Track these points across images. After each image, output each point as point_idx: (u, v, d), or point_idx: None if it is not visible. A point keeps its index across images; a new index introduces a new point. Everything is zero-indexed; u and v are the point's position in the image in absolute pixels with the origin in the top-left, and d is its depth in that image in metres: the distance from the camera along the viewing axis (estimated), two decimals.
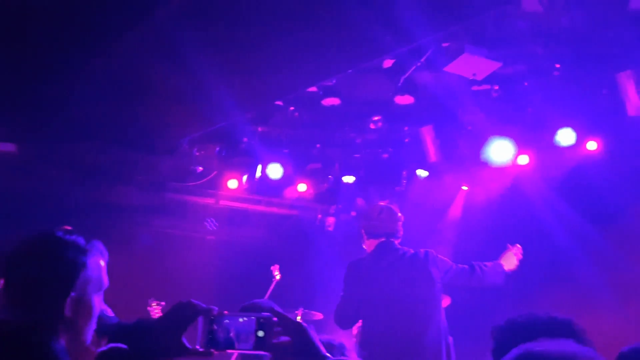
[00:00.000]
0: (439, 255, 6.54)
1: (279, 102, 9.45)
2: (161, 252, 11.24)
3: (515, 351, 1.69)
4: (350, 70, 8.07)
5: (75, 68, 7.26)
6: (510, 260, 6.76)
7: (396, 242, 6.57)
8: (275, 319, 2.39)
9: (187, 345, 2.38)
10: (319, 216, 12.05)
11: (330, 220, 11.99)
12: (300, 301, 8.88)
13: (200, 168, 10.63)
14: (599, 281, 9.12)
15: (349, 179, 11.06)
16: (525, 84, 8.59)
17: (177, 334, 2.37)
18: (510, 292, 8.96)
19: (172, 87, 7.72)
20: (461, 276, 6.55)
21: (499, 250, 7.06)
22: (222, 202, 11.43)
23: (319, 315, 8.94)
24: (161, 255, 11.20)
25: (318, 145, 10.70)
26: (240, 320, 2.40)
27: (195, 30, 6.48)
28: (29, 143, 9.43)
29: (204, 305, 2.41)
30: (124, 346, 2.41)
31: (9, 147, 9.47)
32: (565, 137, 8.89)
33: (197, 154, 10.47)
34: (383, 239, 6.54)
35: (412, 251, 6.48)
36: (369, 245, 6.63)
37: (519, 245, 6.87)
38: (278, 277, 9.16)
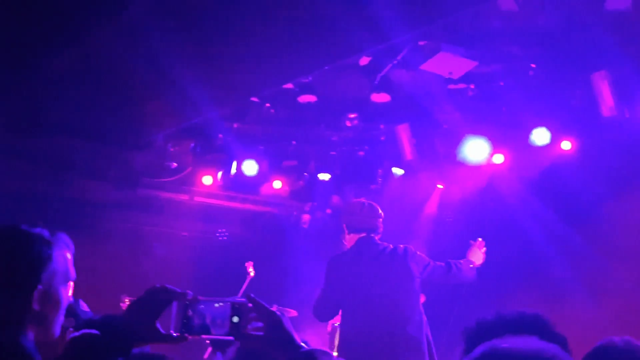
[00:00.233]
0: (417, 252, 6.58)
1: (254, 99, 9.42)
2: (134, 248, 11.18)
3: (480, 348, 1.69)
4: (326, 67, 8.06)
5: (47, 62, 7.20)
6: (477, 255, 6.85)
7: (376, 237, 6.60)
8: (250, 304, 2.36)
9: (161, 330, 2.36)
10: (294, 213, 12.04)
11: (306, 217, 11.98)
12: (275, 298, 8.85)
13: (175, 164, 10.59)
14: (573, 278, 9.18)
15: (324, 176, 11.05)
16: (501, 83, 8.62)
17: (150, 319, 2.35)
18: (485, 289, 9.01)
19: (146, 82, 7.67)
20: (438, 273, 6.59)
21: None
22: (197, 199, 11.38)
23: (293, 313, 8.93)
24: (134, 252, 11.13)
25: (294, 142, 10.68)
26: (216, 305, 2.38)
27: (169, 25, 6.45)
28: (0, 137, 9.33)
29: (178, 290, 2.38)
30: (96, 332, 2.38)
31: None
32: (540, 136, 8.93)
33: (172, 149, 10.41)
34: (364, 234, 6.56)
35: (391, 246, 6.53)
36: (349, 239, 6.65)
37: (480, 239, 6.95)
38: (252, 273, 9.15)
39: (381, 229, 6.64)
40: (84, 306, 3.78)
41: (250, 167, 10.56)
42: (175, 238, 11.82)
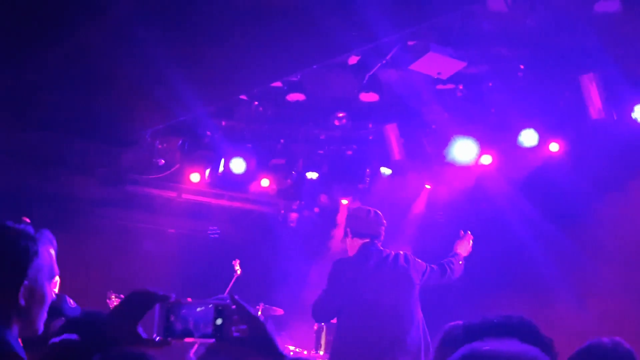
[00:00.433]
0: (416, 258, 6.67)
1: (243, 97, 9.40)
2: (122, 244, 11.15)
3: (461, 351, 1.69)
4: (314, 66, 8.05)
5: (36, 59, 7.17)
6: (466, 247, 7.03)
7: (379, 244, 6.64)
8: (233, 306, 2.35)
9: (143, 334, 2.33)
10: (282, 212, 12.03)
11: (293, 216, 11.98)
12: (261, 296, 8.86)
13: (163, 161, 10.56)
14: (560, 279, 9.21)
15: (312, 175, 11.05)
16: (490, 84, 8.63)
17: (132, 323, 2.31)
18: (472, 290, 9.04)
19: (134, 79, 7.66)
20: (434, 277, 6.72)
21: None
22: (184, 196, 11.35)
23: (279, 311, 8.92)
24: (122, 248, 11.11)
25: (282, 141, 10.68)
26: (198, 308, 2.34)
27: (156, 23, 6.44)
28: None
29: (160, 293, 2.36)
30: (75, 337, 2.36)
31: None
32: (528, 138, 8.95)
33: (160, 146, 10.39)
34: (368, 240, 6.62)
35: (393, 253, 6.61)
36: (352, 243, 6.70)
37: (469, 232, 7.12)
38: (239, 271, 9.13)
39: (383, 237, 6.71)
40: (70, 302, 3.76)
41: (238, 165, 10.55)
42: (163, 235, 11.80)
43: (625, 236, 8.91)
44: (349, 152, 10.75)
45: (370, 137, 10.34)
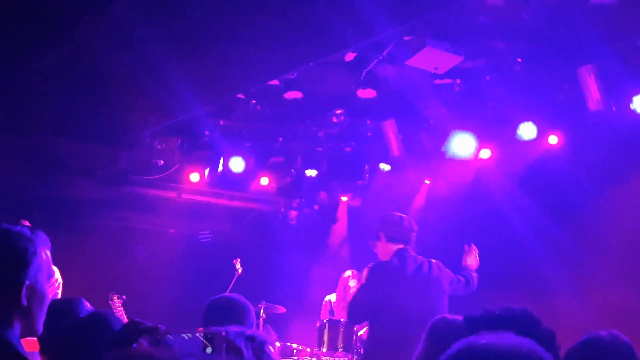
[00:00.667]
0: (445, 268, 6.78)
1: (240, 96, 9.40)
2: (122, 245, 11.15)
3: (457, 345, 1.68)
4: (311, 64, 8.04)
5: (33, 60, 7.16)
6: (474, 260, 7.19)
7: (411, 250, 6.72)
8: (223, 333, 2.35)
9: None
10: (282, 210, 12.04)
11: (293, 213, 11.99)
12: (263, 294, 8.84)
13: (162, 161, 10.57)
14: (559, 272, 9.20)
15: (311, 172, 11.05)
16: (487, 78, 8.61)
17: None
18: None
19: (132, 79, 7.65)
20: (460, 287, 6.87)
21: (460, 244, 7.33)
22: (184, 196, 11.36)
23: (281, 309, 8.91)
24: (122, 249, 11.11)
25: (280, 139, 10.68)
26: (186, 337, 2.36)
27: (154, 22, 6.43)
28: None
29: (149, 325, 2.37)
30: None
31: None
32: (527, 131, 8.94)
33: (159, 147, 10.40)
34: (402, 246, 6.69)
35: (426, 261, 6.69)
36: (385, 248, 6.75)
37: (473, 245, 7.25)
38: (240, 270, 9.12)
39: (414, 244, 6.78)
40: (86, 305, 3.73)
41: (237, 164, 10.55)
42: (163, 235, 11.81)
43: (624, 228, 8.91)
44: (348, 149, 10.75)
45: (369, 134, 10.34)
